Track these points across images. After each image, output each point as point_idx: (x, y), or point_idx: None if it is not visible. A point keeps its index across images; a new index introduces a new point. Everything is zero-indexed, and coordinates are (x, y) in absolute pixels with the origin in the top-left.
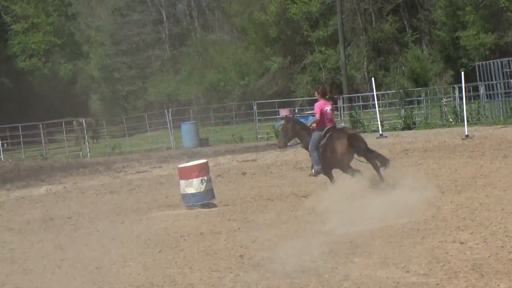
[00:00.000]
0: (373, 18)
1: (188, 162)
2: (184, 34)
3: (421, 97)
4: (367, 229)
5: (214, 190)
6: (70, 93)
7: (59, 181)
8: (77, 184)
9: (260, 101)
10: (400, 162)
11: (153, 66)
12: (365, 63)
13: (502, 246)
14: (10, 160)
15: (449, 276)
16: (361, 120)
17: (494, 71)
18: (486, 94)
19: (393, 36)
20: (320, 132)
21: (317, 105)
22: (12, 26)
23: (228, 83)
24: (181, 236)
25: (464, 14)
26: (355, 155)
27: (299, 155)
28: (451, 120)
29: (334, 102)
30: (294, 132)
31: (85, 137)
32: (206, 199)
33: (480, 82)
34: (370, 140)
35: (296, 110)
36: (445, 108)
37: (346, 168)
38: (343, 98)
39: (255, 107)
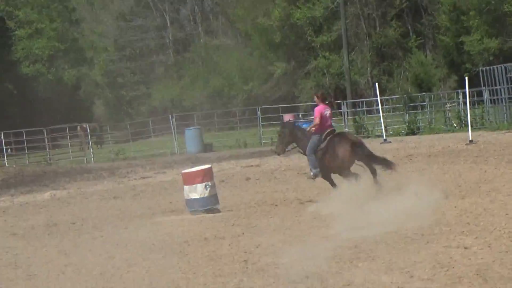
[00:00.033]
0: (377, 23)
1: (192, 167)
2: (188, 39)
3: (425, 102)
4: (371, 234)
5: (218, 195)
6: (74, 98)
7: (63, 186)
8: (81, 189)
9: (264, 107)
10: (404, 167)
11: (157, 72)
12: (369, 68)
13: (507, 251)
14: (14, 166)
15: (453, 281)
16: (365, 125)
17: (498, 76)
18: (490, 99)
19: (397, 41)
20: (319, 136)
21: (317, 110)
22: (16, 32)
23: (232, 89)
24: (185, 241)
25: (468, 19)
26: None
27: (303, 161)
28: (455, 125)
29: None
30: (292, 137)
31: (89, 143)
32: (210, 205)
33: (484, 87)
34: (374, 145)
35: (300, 115)
36: (449, 113)
37: (345, 173)
38: (347, 104)
39: (259, 113)
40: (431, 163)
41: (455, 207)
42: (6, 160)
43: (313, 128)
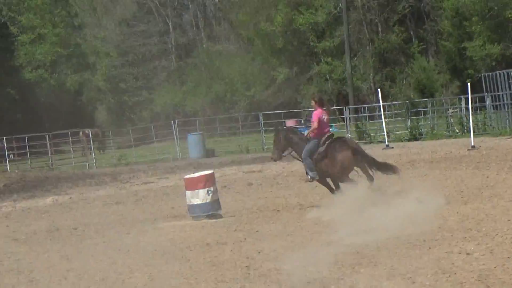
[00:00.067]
0: (379, 28)
1: (194, 173)
2: (191, 45)
3: (427, 108)
4: (373, 240)
5: (220, 201)
6: (77, 104)
7: (65, 191)
8: (83, 194)
9: (267, 112)
10: (406, 173)
11: (160, 77)
12: (371, 74)
13: (509, 257)
14: (16, 171)
15: (455, 287)
16: (367, 131)
17: (501, 82)
18: (492, 105)
19: (399, 46)
20: (317, 140)
21: (315, 114)
22: (18, 37)
23: (235, 94)
24: (187, 247)
25: (470, 25)
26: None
27: None
28: (457, 131)
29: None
30: (287, 142)
31: (91, 148)
32: (212, 210)
33: (486, 93)
34: (376, 151)
35: (303, 121)
36: (451, 119)
37: (343, 179)
38: (349, 109)
39: (261, 118)
40: (433, 169)
41: (457, 212)
42: (8, 165)
43: (312, 133)
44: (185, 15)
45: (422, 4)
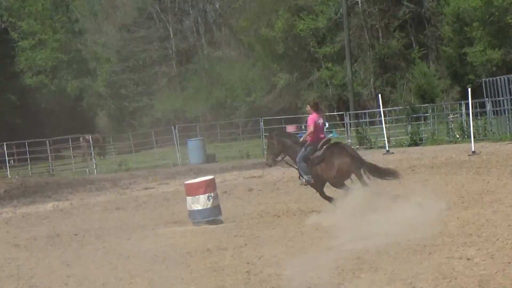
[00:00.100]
0: (380, 34)
1: (195, 178)
2: (191, 50)
3: (428, 113)
4: (373, 245)
5: (220, 206)
6: (77, 109)
7: (65, 197)
8: (83, 200)
9: (267, 118)
10: (407, 178)
11: (160, 83)
12: (372, 79)
13: (509, 262)
14: (16, 177)
15: None
16: (368, 137)
17: (501, 87)
18: (493, 111)
19: (400, 52)
20: (314, 145)
21: (311, 118)
22: (19, 43)
23: (235, 100)
24: (187, 252)
25: (471, 30)
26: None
27: None
28: (458, 136)
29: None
30: (281, 146)
31: (91, 154)
32: (212, 216)
33: (487, 99)
34: (377, 157)
35: (303, 127)
36: (452, 125)
37: (338, 185)
38: (350, 115)
39: (262, 124)
40: (434, 174)
41: (457, 218)
42: (8, 171)
43: (308, 137)
44: (185, 21)
45: (422, 10)
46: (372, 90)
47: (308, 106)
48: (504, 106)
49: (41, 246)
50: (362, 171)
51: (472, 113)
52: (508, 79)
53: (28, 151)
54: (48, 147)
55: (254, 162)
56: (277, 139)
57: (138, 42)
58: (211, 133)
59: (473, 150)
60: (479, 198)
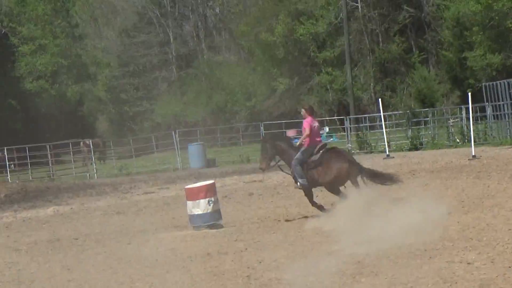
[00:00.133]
0: (380, 38)
1: (195, 183)
2: (191, 55)
3: (428, 117)
4: (374, 250)
5: (221, 210)
6: (77, 114)
7: (66, 202)
8: (84, 205)
9: (267, 122)
10: (407, 183)
11: (160, 87)
12: (372, 84)
13: (510, 267)
14: (17, 181)
15: None
16: (368, 141)
17: (501, 91)
18: (493, 115)
19: (400, 56)
20: (311, 148)
21: (306, 122)
22: (19, 48)
23: (235, 104)
24: (188, 257)
25: (471, 35)
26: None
27: None
28: (458, 140)
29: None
30: (274, 150)
31: (92, 158)
32: (213, 220)
33: (487, 103)
34: (377, 161)
35: None
36: (452, 129)
37: (334, 190)
38: (350, 119)
39: (262, 128)
40: (434, 179)
41: (458, 222)
42: (9, 175)
43: (305, 141)
44: (185, 25)
45: (422, 14)
46: (372, 94)
47: (303, 110)
48: (504, 110)
49: (42, 251)
50: (360, 177)
51: (473, 117)
52: (508, 83)
53: (29, 155)
54: (48, 151)
55: (255, 166)
56: (271, 143)
57: (138, 46)
58: (211, 137)
59: (473, 154)
60: (480, 203)
